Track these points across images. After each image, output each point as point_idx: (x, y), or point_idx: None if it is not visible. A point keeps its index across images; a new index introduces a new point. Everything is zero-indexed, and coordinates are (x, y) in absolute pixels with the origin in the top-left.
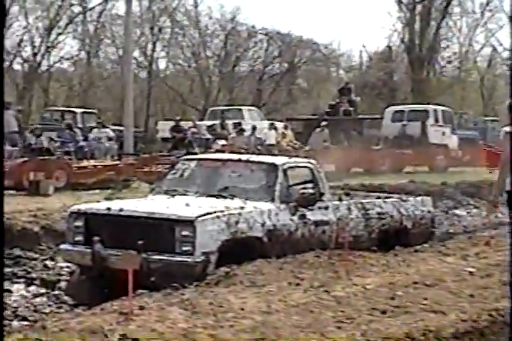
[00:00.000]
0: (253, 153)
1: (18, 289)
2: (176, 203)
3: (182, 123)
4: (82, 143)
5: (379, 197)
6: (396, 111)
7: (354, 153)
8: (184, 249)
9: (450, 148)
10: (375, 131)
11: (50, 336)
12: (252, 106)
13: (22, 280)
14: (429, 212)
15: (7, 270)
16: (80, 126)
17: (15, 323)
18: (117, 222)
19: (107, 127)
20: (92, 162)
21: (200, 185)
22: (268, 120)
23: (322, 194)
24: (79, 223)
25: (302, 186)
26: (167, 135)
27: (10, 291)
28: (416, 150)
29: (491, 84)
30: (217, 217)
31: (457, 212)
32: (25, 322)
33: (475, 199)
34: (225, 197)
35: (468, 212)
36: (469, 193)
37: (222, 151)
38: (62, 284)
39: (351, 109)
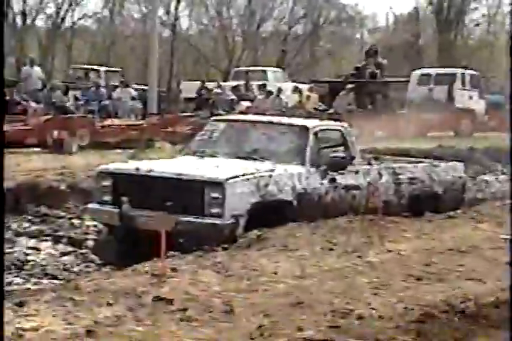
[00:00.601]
0: (278, 116)
1: (45, 247)
2: (206, 164)
3: (206, 83)
4: (106, 102)
5: (409, 162)
6: (422, 75)
7: (379, 116)
8: (213, 211)
9: (477, 112)
10: (401, 94)
11: (84, 296)
12: (276, 67)
13: (49, 238)
14: (460, 177)
15: (34, 227)
16: (103, 84)
17: (44, 281)
18: (146, 182)
19: (130, 86)
20: (116, 121)
21: (229, 147)
22: (292, 82)
23: (353, 158)
24: (107, 182)
25: (333, 150)
26: (190, 95)
27: (38, 249)
28: (442, 115)
29: None
30: (247, 179)
31: (485, 177)
32: (55, 281)
33: (503, 165)
34: (254, 160)
35: (496, 178)
36: (497, 158)
37: (246, 113)
38: (90, 243)
39: (377, 71)
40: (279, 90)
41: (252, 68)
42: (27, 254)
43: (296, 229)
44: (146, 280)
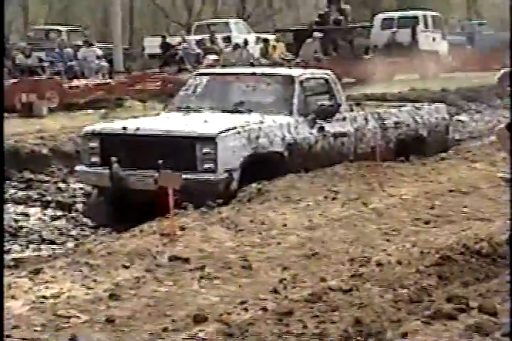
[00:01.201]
0: (244, 67)
1: (34, 212)
2: (194, 120)
3: (169, 38)
4: (72, 63)
5: (393, 106)
6: (385, 19)
7: (345, 63)
8: (206, 166)
9: (441, 54)
10: (364, 40)
11: (98, 259)
12: (237, 19)
13: (37, 203)
14: (443, 119)
15: (21, 193)
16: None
17: (43, 247)
18: (134, 141)
19: (94, 45)
20: (84, 81)
21: (214, 101)
22: (256, 32)
23: (339, 105)
24: (94, 144)
25: (319, 98)
26: (155, 51)
27: (27, 215)
28: (406, 58)
29: None
30: (238, 132)
31: (460, 117)
32: (53, 246)
33: (476, 104)
34: (241, 112)
35: (471, 118)
36: (470, 98)
37: (213, 66)
38: (79, 206)
39: (341, 18)
40: (246, 42)
41: (214, 21)
42: (17, 221)
43: (295, 180)
44: (157, 240)
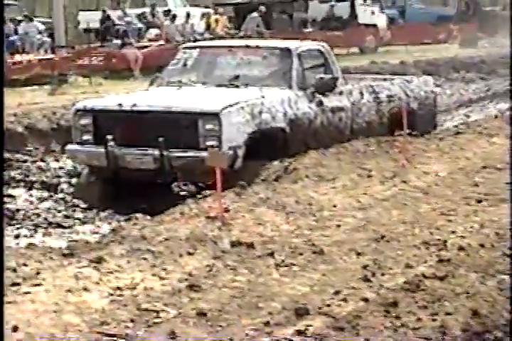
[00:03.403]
0: (189, 41)
1: (20, 194)
2: (191, 95)
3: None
4: (13, 38)
5: (383, 79)
6: None
7: (286, 37)
8: (209, 143)
9: (379, 27)
10: (302, 13)
11: (158, 246)
12: None
13: (21, 184)
14: (432, 92)
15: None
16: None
17: (52, 230)
18: (131, 118)
19: (33, 20)
20: (26, 56)
21: (207, 75)
22: (193, 6)
23: (337, 78)
24: (86, 121)
25: (316, 71)
26: (91, 25)
27: (12, 196)
28: (345, 32)
29: None
30: (242, 108)
31: None
32: (62, 229)
33: (435, 77)
34: (237, 87)
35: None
36: (429, 71)
37: (156, 40)
38: (64, 186)
39: None
40: (188, 15)
41: None
42: (3, 203)
43: (320, 157)
44: (209, 224)
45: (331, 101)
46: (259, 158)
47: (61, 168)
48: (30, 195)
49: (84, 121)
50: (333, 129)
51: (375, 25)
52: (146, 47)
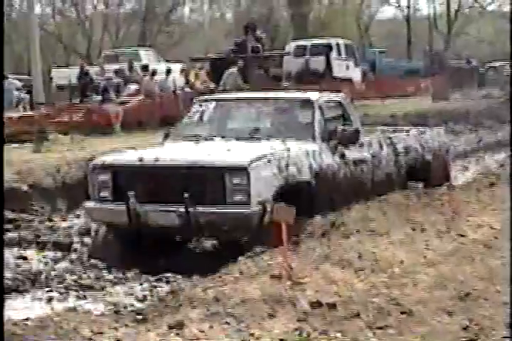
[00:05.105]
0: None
1: (31, 255)
2: (214, 149)
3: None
4: None
5: (399, 131)
6: (298, 46)
7: (264, 91)
8: (237, 198)
9: (354, 81)
10: (276, 68)
11: (237, 308)
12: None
13: (32, 244)
14: (444, 143)
15: (11, 235)
16: None
17: (81, 293)
18: (153, 173)
19: (7, 77)
20: (7, 114)
21: (225, 128)
22: (166, 61)
23: (359, 131)
24: (105, 177)
25: (338, 123)
26: (62, 82)
27: (25, 258)
28: (321, 85)
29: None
30: (269, 161)
31: None
32: (93, 292)
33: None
34: (258, 140)
35: None
36: (418, 124)
37: (135, 95)
38: (77, 246)
39: (259, 45)
40: (169, 71)
41: (122, 50)
42: (18, 265)
43: (364, 210)
44: (276, 283)
45: (352, 153)
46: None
47: (70, 227)
48: (44, 256)
49: (102, 177)
50: (356, 182)
51: (350, 79)
52: (125, 102)
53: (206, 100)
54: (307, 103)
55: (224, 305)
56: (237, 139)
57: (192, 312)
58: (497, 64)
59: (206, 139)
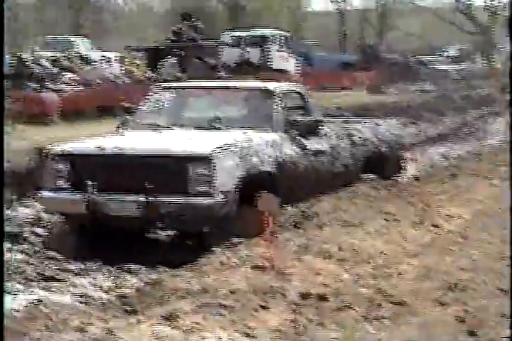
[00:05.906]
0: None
1: None
2: (176, 138)
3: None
4: None
5: (355, 122)
6: (234, 37)
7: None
8: (199, 189)
9: (290, 72)
10: (212, 58)
11: (228, 300)
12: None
13: None
14: (397, 135)
15: None
16: None
17: (53, 284)
18: (114, 163)
19: None
20: None
21: (183, 117)
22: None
23: (320, 121)
24: (62, 166)
25: (296, 112)
26: None
27: None
28: (258, 76)
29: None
30: (232, 151)
31: None
32: (57, 283)
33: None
34: (218, 129)
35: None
36: (364, 115)
37: (70, 84)
38: (28, 236)
39: (196, 35)
40: (108, 60)
41: (59, 37)
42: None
43: (332, 200)
44: (258, 275)
45: (311, 144)
46: (247, 203)
47: (16, 216)
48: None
49: (60, 166)
50: (316, 173)
51: (286, 71)
52: (62, 90)
53: (163, 88)
54: (266, 92)
55: (214, 296)
56: (196, 128)
57: (182, 304)
58: (423, 58)
59: (165, 128)
